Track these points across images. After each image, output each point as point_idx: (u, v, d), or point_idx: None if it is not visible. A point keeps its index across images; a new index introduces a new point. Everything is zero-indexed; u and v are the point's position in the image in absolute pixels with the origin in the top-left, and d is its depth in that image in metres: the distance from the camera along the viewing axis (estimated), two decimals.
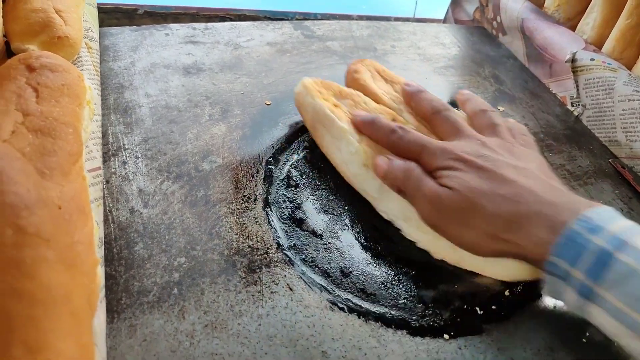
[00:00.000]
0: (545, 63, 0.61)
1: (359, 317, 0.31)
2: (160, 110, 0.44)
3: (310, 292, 0.32)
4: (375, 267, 0.35)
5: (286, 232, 0.36)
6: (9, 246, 0.19)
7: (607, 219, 0.28)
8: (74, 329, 0.19)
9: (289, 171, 0.41)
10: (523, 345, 0.31)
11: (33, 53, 0.32)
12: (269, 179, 0.39)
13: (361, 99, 0.41)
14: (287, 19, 0.71)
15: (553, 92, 0.60)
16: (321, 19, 0.72)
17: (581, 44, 0.57)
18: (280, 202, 0.38)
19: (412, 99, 0.41)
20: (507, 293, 0.34)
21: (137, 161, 0.38)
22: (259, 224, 0.36)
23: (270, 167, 0.40)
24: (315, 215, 0.37)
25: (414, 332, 0.31)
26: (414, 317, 0.32)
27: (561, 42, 0.59)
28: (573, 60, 0.56)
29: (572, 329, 0.33)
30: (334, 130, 0.38)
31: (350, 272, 0.34)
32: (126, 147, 0.39)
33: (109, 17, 0.63)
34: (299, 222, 0.37)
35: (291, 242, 0.35)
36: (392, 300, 0.33)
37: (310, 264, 0.34)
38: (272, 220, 0.36)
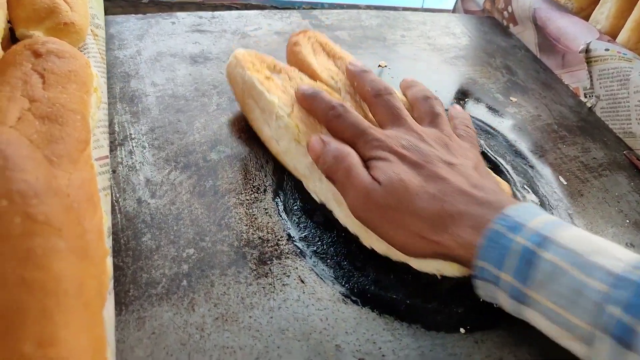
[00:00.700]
0: (557, 53, 0.60)
1: (372, 311, 0.31)
2: (167, 100, 0.43)
3: (322, 284, 0.31)
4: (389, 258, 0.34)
5: (297, 223, 0.35)
6: (18, 235, 0.18)
7: (527, 216, 0.27)
8: (87, 321, 0.19)
9: None
10: (542, 337, 0.31)
11: (39, 39, 0.31)
12: (279, 169, 0.39)
13: (297, 75, 0.39)
14: (294, 9, 0.70)
15: (565, 83, 0.59)
16: (328, 9, 0.71)
17: (595, 34, 0.56)
18: (290, 193, 0.37)
19: (354, 79, 0.39)
20: None
21: (144, 151, 0.38)
22: (269, 215, 0.35)
23: None
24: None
25: (429, 326, 0.30)
26: (429, 311, 0.31)
27: (575, 32, 0.58)
28: (587, 50, 0.54)
29: None
30: (263, 103, 0.37)
31: (364, 264, 0.33)
32: (133, 136, 0.39)
33: (113, 5, 0.62)
34: (310, 213, 0.36)
35: (302, 233, 0.34)
36: (406, 293, 0.32)
37: (322, 255, 0.33)
38: (282, 211, 0.36)
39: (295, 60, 0.42)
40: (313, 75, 0.41)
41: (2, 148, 0.21)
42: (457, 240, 0.28)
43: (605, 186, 0.45)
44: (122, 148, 0.38)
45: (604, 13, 0.58)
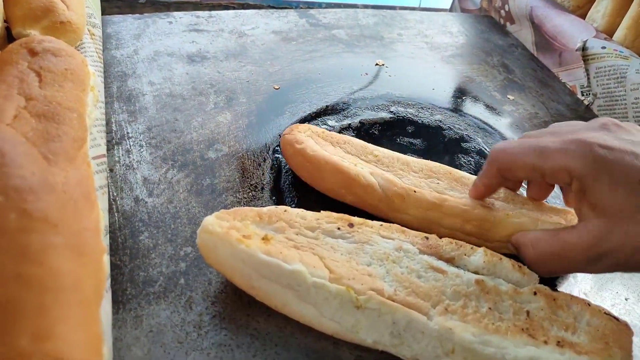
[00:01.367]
0: (554, 52, 0.60)
1: None
2: (164, 99, 0.43)
3: None
4: None
5: None
6: (14, 231, 0.18)
7: None
8: (83, 318, 0.19)
9: None
10: None
11: (35, 37, 0.31)
12: (276, 167, 0.39)
13: (291, 215, 0.30)
14: (292, 8, 0.70)
15: (562, 81, 0.59)
16: (326, 8, 0.71)
17: (592, 32, 0.56)
18: (287, 191, 0.37)
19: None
20: None
21: (142, 150, 0.38)
22: None
23: (277, 155, 0.40)
24: (323, 204, 0.37)
25: None
26: None
27: (571, 30, 0.58)
28: (584, 48, 0.55)
29: None
30: (284, 278, 0.27)
31: None
32: (130, 135, 0.39)
33: (110, 5, 0.62)
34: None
35: None
36: None
37: None
38: None
39: (304, 159, 0.35)
40: (335, 168, 0.34)
41: None
42: None
43: None
44: (120, 147, 0.37)
45: (600, 11, 0.59)
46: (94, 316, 0.20)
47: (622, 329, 0.28)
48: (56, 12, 0.36)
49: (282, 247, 0.28)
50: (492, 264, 0.30)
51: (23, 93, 0.26)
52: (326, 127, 0.44)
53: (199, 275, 0.30)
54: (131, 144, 0.38)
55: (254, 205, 0.35)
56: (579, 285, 0.35)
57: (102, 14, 0.51)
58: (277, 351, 0.27)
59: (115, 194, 0.34)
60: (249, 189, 0.36)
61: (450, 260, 0.30)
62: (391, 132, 0.45)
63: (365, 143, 0.38)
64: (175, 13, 0.55)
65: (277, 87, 0.47)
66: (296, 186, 0.37)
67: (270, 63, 0.50)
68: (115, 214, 0.33)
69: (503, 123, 0.50)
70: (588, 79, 0.55)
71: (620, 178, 0.25)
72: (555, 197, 0.41)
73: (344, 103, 0.47)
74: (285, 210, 0.30)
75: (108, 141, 0.38)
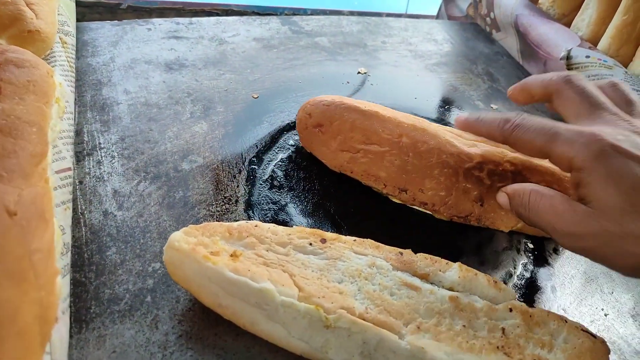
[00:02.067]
0: (539, 60, 0.60)
1: None
2: (139, 108, 0.42)
3: None
4: None
5: None
6: None
7: None
8: (22, 349, 0.18)
9: (273, 171, 0.39)
10: None
11: None
12: (251, 179, 0.38)
13: (262, 230, 0.29)
14: (276, 14, 0.69)
15: None
16: (310, 15, 0.71)
17: (576, 40, 0.56)
18: (263, 204, 0.36)
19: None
20: None
21: (113, 161, 0.37)
22: None
23: (253, 166, 0.39)
24: (299, 217, 0.36)
25: None
26: None
27: (556, 39, 0.57)
28: (568, 57, 0.54)
29: None
30: (252, 297, 0.26)
31: None
32: (102, 146, 0.38)
33: (90, 11, 0.61)
34: (283, 225, 0.35)
35: None
36: None
37: None
38: None
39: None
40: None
41: None
42: None
43: None
44: (91, 158, 0.37)
45: (585, 20, 0.58)
46: (33, 347, 0.19)
47: (599, 346, 0.28)
48: (24, 21, 0.35)
49: (250, 264, 0.27)
50: (467, 280, 0.29)
51: None
52: None
53: (167, 293, 0.29)
54: (103, 154, 0.37)
55: (227, 219, 0.34)
56: (558, 300, 0.34)
57: (82, 20, 0.50)
58: None
59: (83, 208, 0.33)
60: (223, 201, 0.36)
61: (424, 277, 0.30)
62: None
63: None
64: (155, 20, 0.54)
65: (256, 96, 0.46)
66: (272, 199, 0.36)
67: (250, 71, 0.49)
68: (83, 229, 0.32)
69: None
70: None
71: (615, 180, 0.25)
72: None
73: None
74: (256, 225, 0.30)
75: (79, 152, 0.37)
